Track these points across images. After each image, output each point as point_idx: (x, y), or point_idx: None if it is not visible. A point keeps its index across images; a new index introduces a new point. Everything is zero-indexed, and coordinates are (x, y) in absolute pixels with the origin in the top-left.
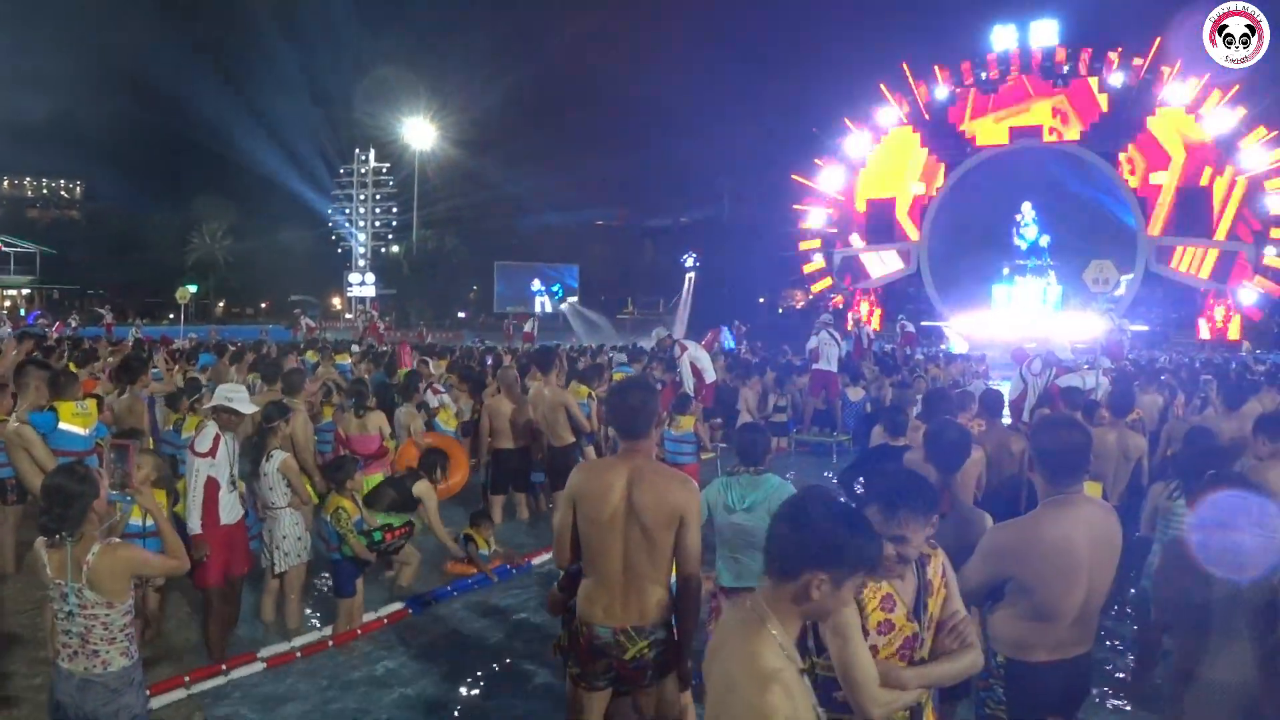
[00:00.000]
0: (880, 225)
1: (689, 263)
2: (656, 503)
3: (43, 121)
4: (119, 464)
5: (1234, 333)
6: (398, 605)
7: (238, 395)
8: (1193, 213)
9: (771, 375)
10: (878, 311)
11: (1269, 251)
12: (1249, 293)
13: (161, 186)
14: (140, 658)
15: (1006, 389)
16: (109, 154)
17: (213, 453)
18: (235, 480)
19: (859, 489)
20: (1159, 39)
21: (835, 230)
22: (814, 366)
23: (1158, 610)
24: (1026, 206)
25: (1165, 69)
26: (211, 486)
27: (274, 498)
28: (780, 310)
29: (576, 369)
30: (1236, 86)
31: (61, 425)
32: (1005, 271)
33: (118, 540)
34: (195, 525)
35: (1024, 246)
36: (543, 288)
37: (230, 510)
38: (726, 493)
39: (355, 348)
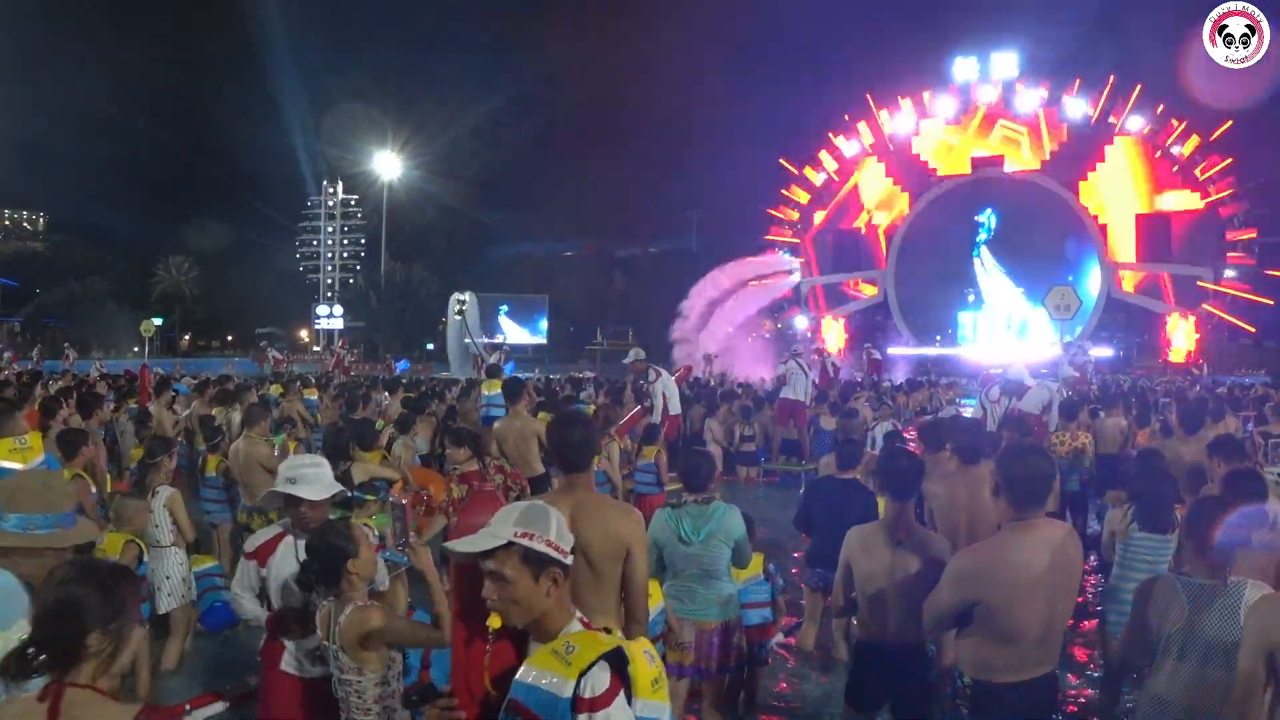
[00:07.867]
0: (847, 254)
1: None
2: (603, 536)
3: (4, 152)
4: (398, 523)
5: (1176, 357)
6: None
7: (307, 474)
8: (1152, 239)
9: (737, 405)
10: (845, 339)
11: (1225, 275)
12: (1207, 316)
13: (126, 219)
14: None
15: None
16: (72, 186)
17: (261, 556)
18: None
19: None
20: (1115, 72)
21: (802, 260)
22: (782, 395)
23: (1129, 648)
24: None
25: (1123, 99)
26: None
27: (159, 535)
28: (750, 339)
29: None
30: (1187, 119)
31: None
32: (970, 298)
33: (372, 603)
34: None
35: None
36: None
37: (298, 650)
38: (678, 525)
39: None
